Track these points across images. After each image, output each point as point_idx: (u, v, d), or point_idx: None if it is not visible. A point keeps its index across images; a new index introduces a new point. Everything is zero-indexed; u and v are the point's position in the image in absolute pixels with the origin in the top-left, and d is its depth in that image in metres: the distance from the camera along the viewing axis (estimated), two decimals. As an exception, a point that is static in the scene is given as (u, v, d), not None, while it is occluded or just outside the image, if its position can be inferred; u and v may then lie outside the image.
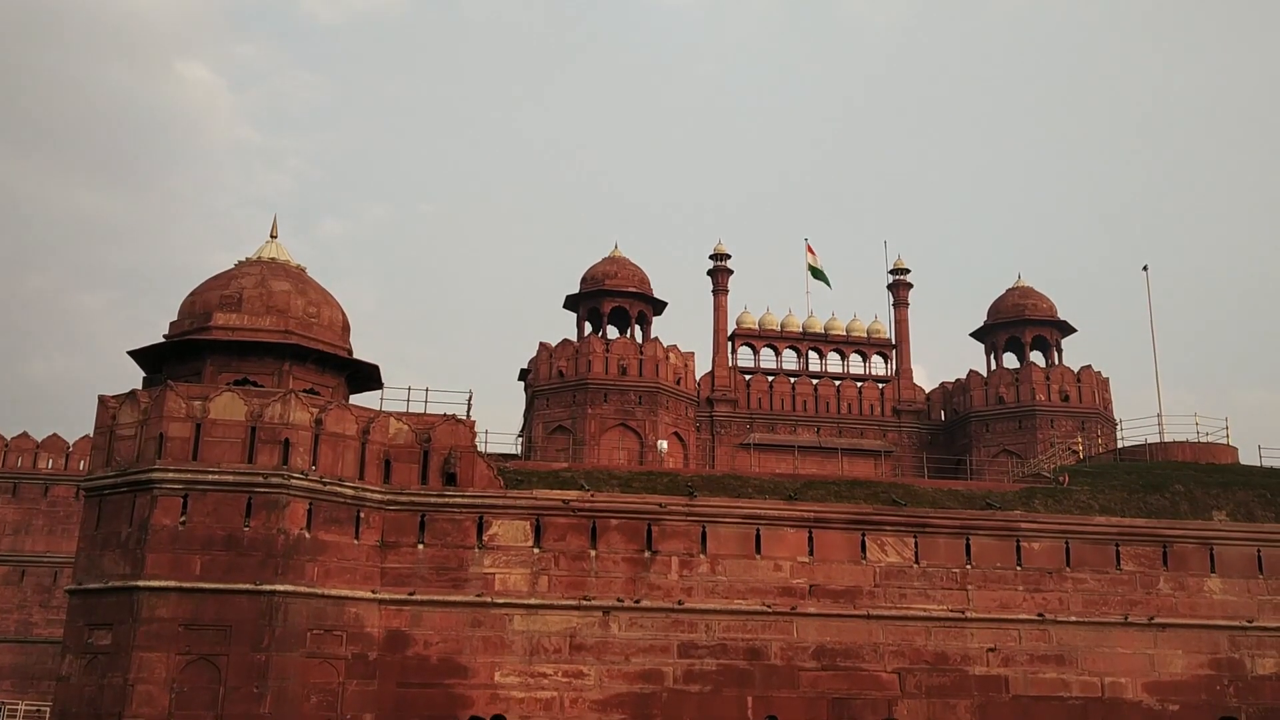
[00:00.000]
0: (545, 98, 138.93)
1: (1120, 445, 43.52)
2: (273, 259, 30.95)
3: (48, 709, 36.90)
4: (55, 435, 53.67)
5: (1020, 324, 55.60)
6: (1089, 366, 54.06)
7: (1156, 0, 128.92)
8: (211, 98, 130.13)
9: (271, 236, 31.81)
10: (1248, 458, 38.38)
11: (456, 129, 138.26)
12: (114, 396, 27.77)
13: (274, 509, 26.16)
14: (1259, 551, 31.43)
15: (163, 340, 29.29)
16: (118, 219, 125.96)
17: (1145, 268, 48.55)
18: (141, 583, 25.16)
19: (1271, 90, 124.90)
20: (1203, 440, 39.33)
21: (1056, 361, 55.10)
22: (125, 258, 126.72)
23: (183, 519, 25.75)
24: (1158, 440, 39.49)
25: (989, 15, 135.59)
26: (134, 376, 41.18)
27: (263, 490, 26.20)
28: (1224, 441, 39.49)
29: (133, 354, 29.47)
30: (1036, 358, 55.60)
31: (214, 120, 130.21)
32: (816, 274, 58.73)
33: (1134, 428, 79.26)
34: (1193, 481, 33.80)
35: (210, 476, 26.09)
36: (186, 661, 24.95)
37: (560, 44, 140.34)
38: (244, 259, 31.00)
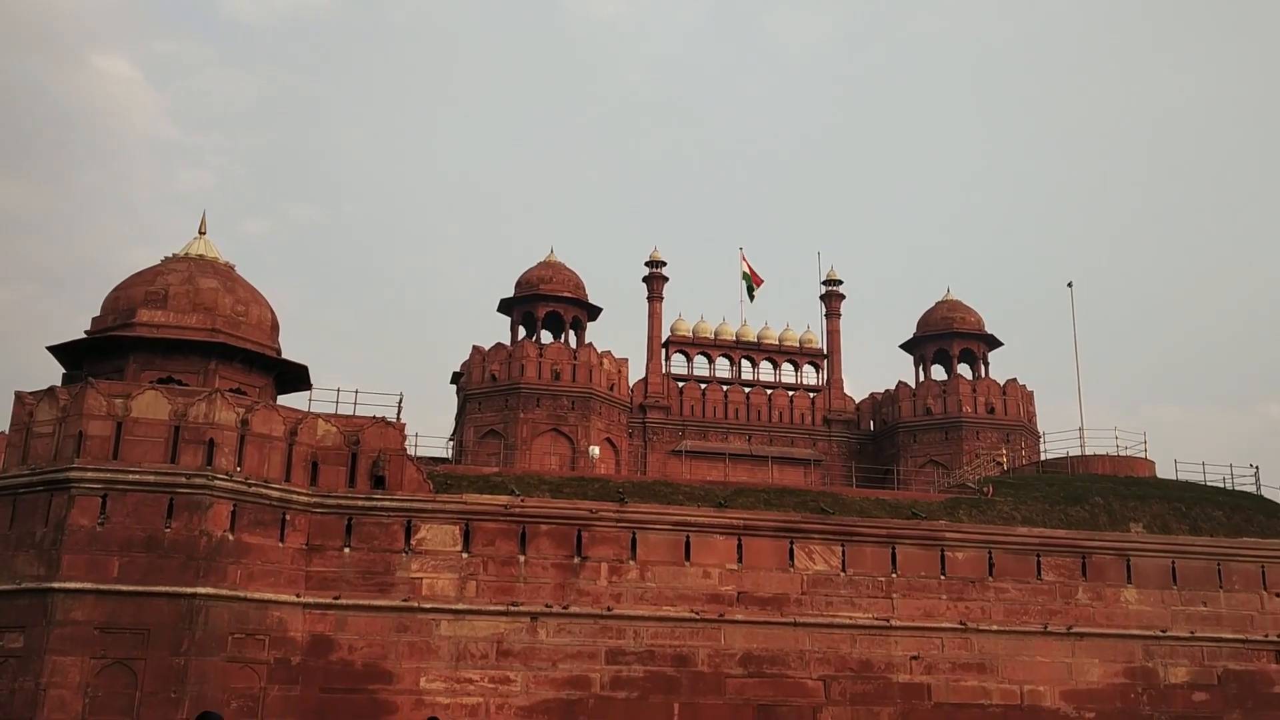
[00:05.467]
0: (477, 100, 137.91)
1: (1043, 457, 44.50)
2: (201, 256, 30.41)
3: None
4: (-32, 432, 52.10)
5: (948, 337, 56.46)
6: (1014, 380, 55.05)
7: (1085, 18, 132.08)
8: (131, 93, 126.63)
9: (200, 233, 31.23)
10: (1164, 471, 39.50)
11: (383, 130, 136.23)
12: (31, 393, 27.03)
13: (196, 510, 25.67)
14: (1173, 563, 32.27)
15: (84, 336, 28.61)
16: (32, 213, 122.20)
17: (1070, 284, 50.01)
18: (56, 584, 24.52)
19: (1197, 111, 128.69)
20: (1122, 454, 40.38)
21: (983, 374, 56.04)
22: (40, 252, 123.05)
23: (101, 519, 25.15)
24: (1079, 453, 40.44)
25: (917, 31, 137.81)
26: (53, 373, 40.08)
27: (185, 491, 25.69)
28: (1142, 455, 40.60)
29: (53, 349, 28.76)
30: (964, 370, 56.50)
31: (133, 115, 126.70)
32: (749, 284, 59.13)
33: (1056, 441, 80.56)
34: (1111, 494, 34.63)
35: (131, 476, 25.51)
36: (102, 666, 24.35)
37: (491, 48, 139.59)
38: (171, 255, 30.39)
